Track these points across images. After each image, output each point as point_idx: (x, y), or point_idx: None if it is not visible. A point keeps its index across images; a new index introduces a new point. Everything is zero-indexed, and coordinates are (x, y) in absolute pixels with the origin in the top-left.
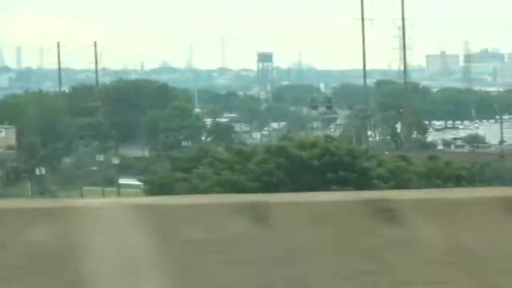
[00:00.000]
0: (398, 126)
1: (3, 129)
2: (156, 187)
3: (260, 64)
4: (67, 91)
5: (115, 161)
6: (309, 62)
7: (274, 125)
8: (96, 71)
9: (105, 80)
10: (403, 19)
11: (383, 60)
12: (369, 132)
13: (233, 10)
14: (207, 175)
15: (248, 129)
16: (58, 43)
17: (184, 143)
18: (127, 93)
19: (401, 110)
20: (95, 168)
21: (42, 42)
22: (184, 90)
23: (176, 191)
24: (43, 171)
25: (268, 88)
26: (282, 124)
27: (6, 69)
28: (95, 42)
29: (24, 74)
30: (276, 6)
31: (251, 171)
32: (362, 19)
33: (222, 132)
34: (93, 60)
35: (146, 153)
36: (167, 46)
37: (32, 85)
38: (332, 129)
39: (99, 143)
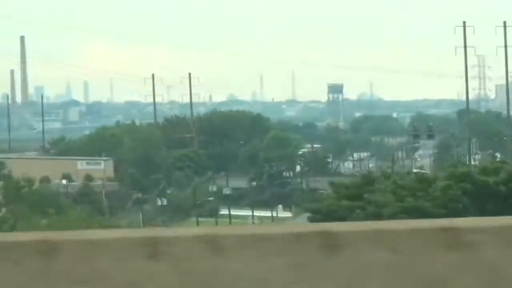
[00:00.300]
0: (498, 153)
1: (101, 161)
2: (322, 215)
3: (331, 96)
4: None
5: (227, 191)
6: (375, 92)
7: (357, 155)
8: (191, 103)
9: (174, 112)
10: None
11: (451, 89)
12: (472, 160)
13: (301, 43)
14: (386, 202)
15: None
16: (153, 74)
17: (285, 173)
18: (221, 124)
19: (505, 138)
20: (208, 198)
21: (109, 75)
22: (279, 121)
23: (348, 219)
24: (149, 202)
25: (341, 119)
26: (365, 154)
27: (75, 103)
28: (189, 74)
29: (93, 107)
30: (338, 37)
31: (435, 198)
32: (465, 48)
33: (317, 162)
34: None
35: (243, 183)
36: (235, 78)
37: (102, 118)
38: (418, 158)
39: (195, 174)
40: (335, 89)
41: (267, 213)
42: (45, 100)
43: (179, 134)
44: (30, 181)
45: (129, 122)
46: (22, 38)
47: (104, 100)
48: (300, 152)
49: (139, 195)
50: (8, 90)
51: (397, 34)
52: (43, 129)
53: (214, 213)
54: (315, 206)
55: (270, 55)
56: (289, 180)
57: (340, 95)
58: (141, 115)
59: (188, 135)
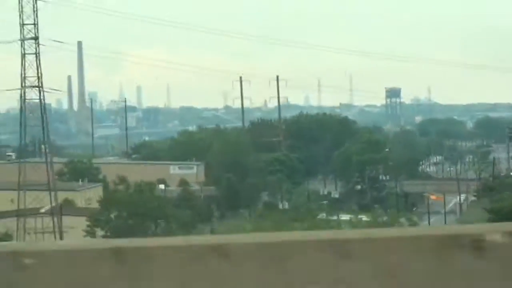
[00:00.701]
0: None
1: (194, 165)
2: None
3: (388, 100)
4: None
5: (335, 195)
6: (430, 97)
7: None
8: (279, 106)
9: (230, 118)
10: None
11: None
12: None
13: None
14: None
15: None
16: (241, 77)
17: (381, 177)
18: (308, 127)
19: None
20: (322, 202)
21: (159, 81)
22: (365, 125)
23: None
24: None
25: (401, 122)
26: (439, 157)
27: (131, 109)
28: (277, 76)
29: (149, 112)
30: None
31: None
32: None
33: (407, 165)
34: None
35: (335, 187)
36: (289, 84)
37: (158, 124)
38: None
39: (287, 178)
40: (393, 93)
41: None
42: (98, 107)
43: (266, 138)
44: (149, 185)
45: (183, 128)
46: (79, 44)
47: (161, 105)
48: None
49: (236, 199)
50: (65, 96)
51: (454, 39)
52: (126, 134)
53: (330, 216)
54: (497, 206)
55: (326, 60)
56: (385, 184)
57: (397, 99)
58: (197, 120)
59: (275, 139)
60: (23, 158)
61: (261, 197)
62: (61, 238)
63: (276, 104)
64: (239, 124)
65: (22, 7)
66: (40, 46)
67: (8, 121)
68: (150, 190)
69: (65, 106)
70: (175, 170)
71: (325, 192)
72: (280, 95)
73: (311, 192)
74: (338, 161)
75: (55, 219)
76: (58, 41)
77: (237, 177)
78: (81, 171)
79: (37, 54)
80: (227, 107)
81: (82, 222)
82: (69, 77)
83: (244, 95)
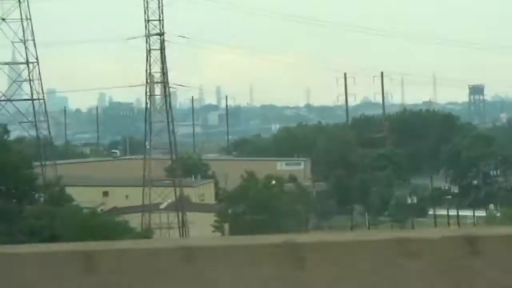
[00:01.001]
0: None
1: (301, 162)
2: None
3: (472, 97)
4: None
5: (455, 190)
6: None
7: None
8: (383, 102)
9: (312, 116)
10: None
11: None
12: None
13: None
14: None
15: None
16: (345, 73)
17: (492, 173)
18: (412, 123)
19: None
20: (447, 197)
21: (240, 80)
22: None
23: None
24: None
25: (486, 119)
26: None
27: (214, 107)
28: (381, 73)
29: (231, 111)
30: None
31: None
32: None
33: None
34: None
35: (443, 183)
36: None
37: (241, 122)
38: None
39: (394, 174)
40: (476, 90)
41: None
42: (178, 105)
43: (369, 134)
44: (278, 181)
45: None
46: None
47: (243, 104)
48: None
49: (348, 195)
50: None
51: None
52: (227, 131)
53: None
54: None
55: (409, 59)
56: (497, 179)
57: (481, 96)
58: (278, 118)
59: (379, 135)
60: (145, 154)
61: (373, 193)
62: (186, 234)
63: (356, 102)
64: (321, 121)
65: (147, 3)
66: (165, 41)
67: (110, 119)
68: (279, 186)
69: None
70: (282, 166)
71: (446, 187)
72: (359, 92)
73: (430, 188)
74: (447, 156)
75: (179, 214)
76: (183, 36)
77: (345, 173)
78: (191, 167)
79: (162, 50)
80: (308, 105)
81: (200, 218)
82: (152, 76)
83: (342, 91)
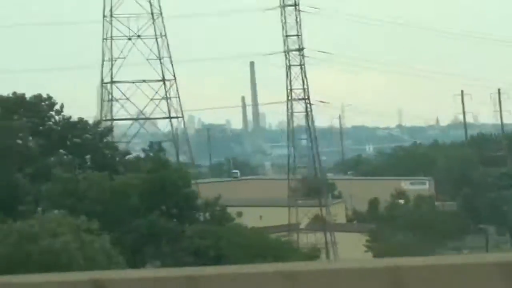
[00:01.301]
0: None
1: (426, 181)
2: None
3: None
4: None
5: None
6: None
7: None
8: (501, 120)
9: (404, 136)
10: None
11: None
12: None
13: None
14: None
15: None
16: (462, 91)
17: None
18: None
19: None
20: None
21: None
22: None
23: None
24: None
25: None
26: None
27: (305, 129)
28: (498, 90)
29: (321, 132)
30: None
31: None
32: None
33: None
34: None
35: None
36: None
37: (333, 142)
38: None
39: None
40: None
41: None
42: (267, 126)
43: (488, 152)
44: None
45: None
46: (251, 64)
47: (336, 125)
48: None
49: (479, 215)
50: (240, 117)
51: None
52: (342, 150)
53: None
54: None
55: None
56: None
57: None
58: (371, 139)
59: (499, 153)
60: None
61: (505, 212)
62: (334, 254)
63: (447, 122)
64: (412, 142)
65: (285, 19)
66: (304, 57)
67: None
68: (430, 204)
69: (234, 125)
70: (406, 185)
71: None
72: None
73: None
74: None
75: (327, 234)
76: (324, 52)
77: (472, 192)
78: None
79: (302, 66)
80: (399, 126)
81: (342, 238)
82: (243, 98)
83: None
